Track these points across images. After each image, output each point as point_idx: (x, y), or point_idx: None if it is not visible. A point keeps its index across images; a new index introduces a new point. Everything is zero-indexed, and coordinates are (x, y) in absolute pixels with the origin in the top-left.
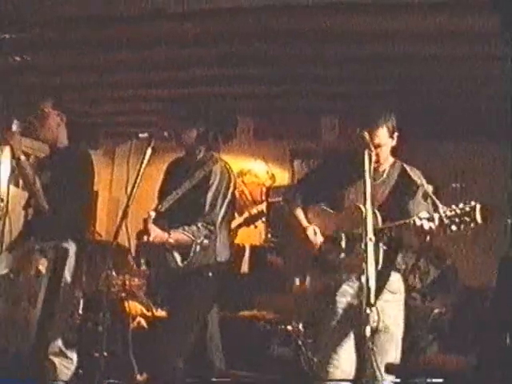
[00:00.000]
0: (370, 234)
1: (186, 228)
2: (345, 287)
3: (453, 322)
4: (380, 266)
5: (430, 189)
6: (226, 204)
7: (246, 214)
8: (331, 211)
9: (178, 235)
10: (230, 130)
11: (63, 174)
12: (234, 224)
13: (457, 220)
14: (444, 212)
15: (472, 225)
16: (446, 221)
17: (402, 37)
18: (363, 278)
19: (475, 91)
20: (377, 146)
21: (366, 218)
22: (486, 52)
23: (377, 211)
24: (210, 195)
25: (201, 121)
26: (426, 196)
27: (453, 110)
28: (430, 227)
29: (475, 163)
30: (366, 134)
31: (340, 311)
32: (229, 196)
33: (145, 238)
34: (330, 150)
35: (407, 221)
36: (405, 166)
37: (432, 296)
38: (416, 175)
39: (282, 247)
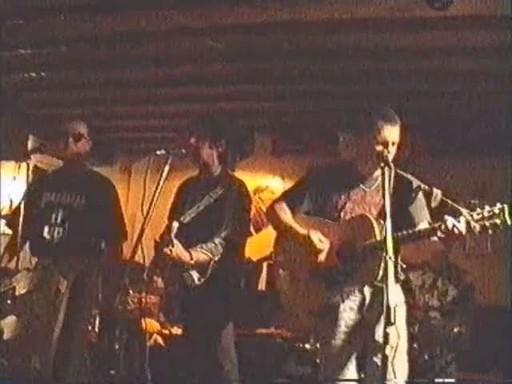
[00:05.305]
0: (390, 253)
1: (204, 246)
2: (347, 302)
3: (472, 341)
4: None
5: (439, 194)
6: (243, 221)
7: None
8: (330, 222)
9: (198, 255)
10: (247, 147)
11: (89, 197)
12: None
13: (486, 223)
14: (470, 215)
15: (501, 227)
16: (474, 224)
17: (420, 53)
18: (366, 292)
19: (493, 105)
20: (393, 144)
21: (385, 236)
22: (504, 66)
23: (381, 220)
24: (227, 212)
25: (221, 139)
26: (428, 200)
27: (471, 124)
28: (459, 231)
29: (495, 179)
30: (385, 151)
31: (343, 328)
32: (245, 213)
33: (166, 249)
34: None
35: (434, 225)
36: (398, 171)
37: (451, 315)
38: (412, 179)
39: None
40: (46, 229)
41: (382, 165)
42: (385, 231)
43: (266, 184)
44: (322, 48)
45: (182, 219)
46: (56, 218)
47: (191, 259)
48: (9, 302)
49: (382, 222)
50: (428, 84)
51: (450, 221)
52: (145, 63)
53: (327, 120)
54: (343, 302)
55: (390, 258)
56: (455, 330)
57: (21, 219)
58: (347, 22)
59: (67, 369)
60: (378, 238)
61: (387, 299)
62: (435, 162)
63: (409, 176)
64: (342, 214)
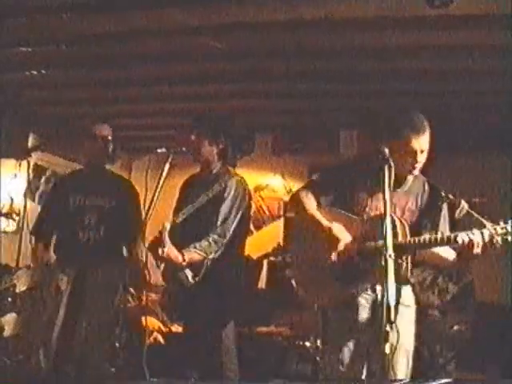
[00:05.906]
0: (390, 251)
1: (198, 246)
2: (360, 299)
3: (472, 339)
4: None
5: (466, 206)
6: (239, 218)
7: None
8: (354, 217)
9: (191, 255)
10: (247, 145)
11: (118, 200)
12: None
13: (510, 238)
14: (494, 228)
15: None
16: (497, 238)
17: (420, 51)
18: (378, 290)
19: (493, 105)
20: (422, 152)
21: (385, 234)
22: (504, 66)
23: (404, 221)
24: (223, 208)
25: (220, 137)
26: (452, 211)
27: (471, 124)
28: (478, 243)
29: (496, 178)
30: (386, 150)
31: (353, 325)
32: (243, 210)
33: (159, 250)
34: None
35: (450, 235)
36: (427, 179)
37: (451, 313)
38: (440, 189)
39: (294, 254)
40: (81, 231)
41: (382, 163)
42: (385, 229)
43: (266, 182)
44: (323, 47)
45: (174, 219)
46: (90, 221)
47: (183, 260)
48: (9, 299)
49: (405, 223)
50: (428, 83)
51: (460, 237)
52: (145, 61)
53: (328, 119)
54: (357, 298)
55: (389, 256)
56: (455, 327)
57: (27, 216)
58: (347, 20)
59: (67, 365)
60: (400, 238)
61: (387, 297)
62: (436, 161)
63: (438, 186)
64: (366, 210)
